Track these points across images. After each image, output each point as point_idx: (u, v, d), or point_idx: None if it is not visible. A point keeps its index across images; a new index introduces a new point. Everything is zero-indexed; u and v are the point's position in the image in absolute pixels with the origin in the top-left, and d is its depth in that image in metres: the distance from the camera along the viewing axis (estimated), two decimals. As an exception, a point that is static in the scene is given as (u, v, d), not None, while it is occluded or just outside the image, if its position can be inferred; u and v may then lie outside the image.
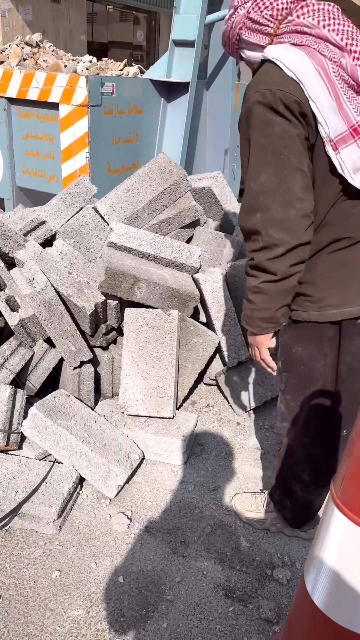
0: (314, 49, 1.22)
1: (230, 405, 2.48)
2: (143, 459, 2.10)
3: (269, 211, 1.26)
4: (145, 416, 2.17)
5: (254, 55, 1.34)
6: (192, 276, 2.42)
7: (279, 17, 1.27)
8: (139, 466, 2.07)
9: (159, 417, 2.17)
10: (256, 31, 1.30)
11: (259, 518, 1.88)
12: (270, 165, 1.24)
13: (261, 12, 1.27)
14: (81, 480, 1.98)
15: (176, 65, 3.91)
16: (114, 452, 1.95)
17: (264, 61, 1.29)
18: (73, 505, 1.91)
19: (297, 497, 1.71)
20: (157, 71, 3.94)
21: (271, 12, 1.27)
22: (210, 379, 2.57)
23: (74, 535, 1.81)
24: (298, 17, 1.26)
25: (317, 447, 1.61)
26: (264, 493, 1.92)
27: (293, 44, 1.24)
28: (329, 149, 1.24)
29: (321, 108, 1.20)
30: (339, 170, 1.25)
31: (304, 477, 1.66)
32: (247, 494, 1.96)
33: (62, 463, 1.95)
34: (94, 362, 2.36)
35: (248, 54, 1.36)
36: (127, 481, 2.00)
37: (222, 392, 2.52)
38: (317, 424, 1.58)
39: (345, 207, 1.32)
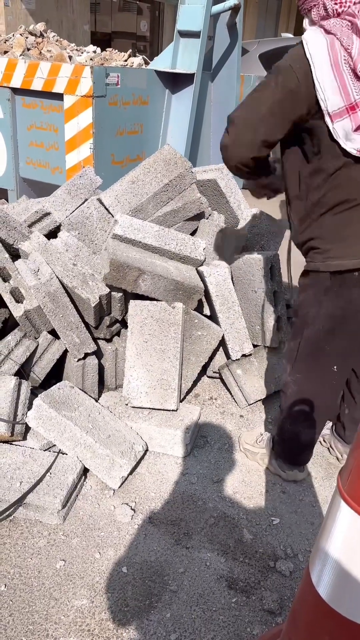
0: (337, 37, 1.45)
1: (234, 398, 2.48)
2: (147, 450, 2.11)
3: (236, 124, 1.59)
4: (149, 408, 2.17)
5: (305, 27, 1.63)
6: (196, 269, 2.42)
7: (340, 10, 1.52)
8: (142, 458, 2.08)
9: (163, 410, 2.17)
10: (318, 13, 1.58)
11: (251, 450, 2.14)
12: (253, 99, 1.59)
13: (334, 4, 1.51)
14: (85, 471, 1.99)
15: (181, 56, 3.89)
16: (118, 443, 1.96)
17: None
18: (77, 495, 1.92)
19: (286, 430, 1.97)
20: (162, 62, 3.92)
21: (338, 7, 1.51)
22: (214, 372, 2.58)
23: (78, 525, 1.82)
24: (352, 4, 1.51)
25: (306, 384, 1.85)
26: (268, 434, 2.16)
27: (326, 31, 1.47)
28: (327, 119, 1.49)
29: (323, 87, 1.46)
30: (335, 137, 1.50)
31: (293, 411, 1.89)
32: (254, 431, 2.21)
33: (66, 454, 1.96)
34: (98, 354, 2.36)
35: (306, 21, 1.65)
36: (131, 472, 2.00)
37: (225, 385, 2.53)
38: (307, 363, 1.82)
39: (351, 172, 1.55)
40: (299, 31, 17.86)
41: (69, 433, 1.92)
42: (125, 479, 1.96)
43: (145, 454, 2.10)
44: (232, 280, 2.41)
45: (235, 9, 4.09)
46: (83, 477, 1.97)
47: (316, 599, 1.10)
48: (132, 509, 1.88)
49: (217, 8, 3.91)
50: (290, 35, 7.83)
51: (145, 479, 2.02)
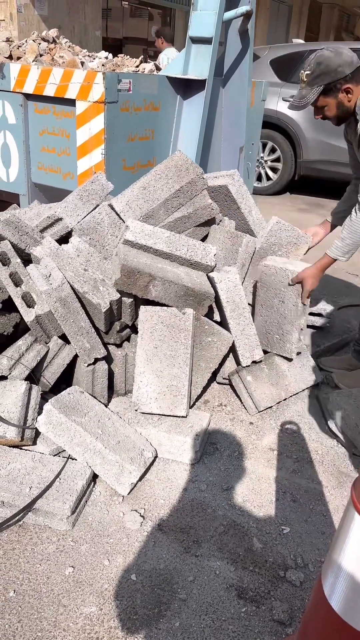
0: None
1: (244, 405, 2.47)
2: (156, 457, 2.10)
3: None
4: (159, 414, 2.17)
5: None
6: (207, 275, 2.41)
7: None
8: (151, 464, 2.07)
9: (172, 416, 2.16)
10: None
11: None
12: None
13: None
14: (94, 477, 1.98)
15: (193, 62, 3.88)
16: (128, 449, 1.95)
17: None
18: (86, 501, 1.91)
19: None
20: (174, 68, 3.92)
21: None
22: (224, 378, 2.57)
23: (87, 531, 1.81)
24: None
25: None
26: None
27: None
28: None
29: None
30: None
31: None
32: None
33: (75, 459, 1.96)
34: (108, 359, 2.36)
35: None
36: (140, 479, 2.00)
37: (235, 391, 2.51)
38: None
39: None
40: (309, 37, 17.87)
41: (79, 439, 1.92)
42: (135, 485, 1.96)
43: (154, 460, 2.09)
44: (256, 284, 2.40)
45: (247, 15, 4.09)
46: (92, 483, 1.97)
47: (328, 611, 1.09)
48: (141, 515, 1.88)
49: (229, 14, 3.91)
50: (302, 41, 7.83)
51: (154, 485, 2.02)
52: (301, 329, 2.44)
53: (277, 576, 1.71)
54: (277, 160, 6.79)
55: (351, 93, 2.14)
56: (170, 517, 1.90)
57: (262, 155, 6.77)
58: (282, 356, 2.51)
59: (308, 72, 2.15)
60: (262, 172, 6.91)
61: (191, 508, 1.94)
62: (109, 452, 1.90)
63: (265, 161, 6.85)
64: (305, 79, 2.17)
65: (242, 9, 3.99)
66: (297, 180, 6.86)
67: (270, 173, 6.90)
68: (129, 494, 1.94)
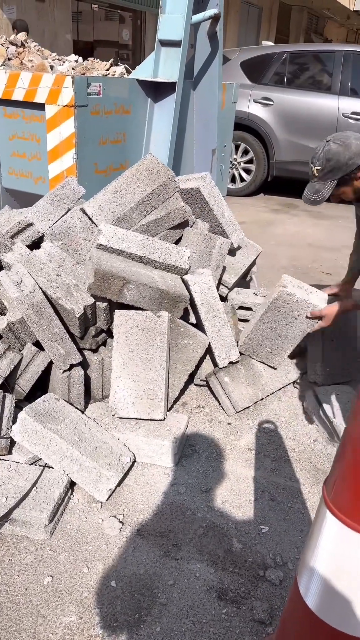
0: None
1: (221, 406, 2.48)
2: (134, 461, 2.09)
3: None
4: (136, 419, 2.16)
5: None
6: (181, 277, 2.41)
7: None
8: (130, 469, 2.06)
9: (150, 420, 2.16)
10: None
11: None
12: None
13: None
14: (72, 484, 1.97)
15: (162, 65, 3.89)
16: (105, 455, 1.94)
17: None
18: (64, 509, 1.90)
19: None
20: (144, 71, 3.93)
21: None
22: (201, 380, 2.57)
23: (66, 540, 1.80)
24: None
25: None
26: None
27: None
28: None
29: None
30: None
31: None
32: None
33: (52, 467, 1.94)
34: (84, 364, 2.35)
35: None
36: (119, 484, 1.99)
37: (212, 393, 2.52)
38: None
39: None
40: (279, 39, 18.04)
41: (55, 446, 1.90)
42: (113, 491, 1.94)
43: (133, 465, 2.08)
44: (270, 305, 2.36)
45: (215, 18, 4.12)
46: (70, 491, 1.95)
47: (304, 610, 1.10)
48: (120, 521, 1.87)
49: (197, 17, 3.93)
50: (271, 43, 7.91)
51: (133, 490, 2.01)
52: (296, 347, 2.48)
53: (256, 576, 1.72)
54: (250, 161, 6.84)
55: None
56: (149, 521, 1.89)
57: (235, 157, 6.81)
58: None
59: (319, 167, 2.12)
60: (236, 173, 6.95)
61: (170, 511, 1.93)
62: (86, 459, 1.88)
63: (239, 163, 6.90)
64: (316, 174, 2.15)
65: (210, 11, 4.01)
66: (271, 181, 6.92)
67: (243, 174, 6.95)
68: (107, 500, 1.93)
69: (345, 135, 2.13)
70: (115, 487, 1.95)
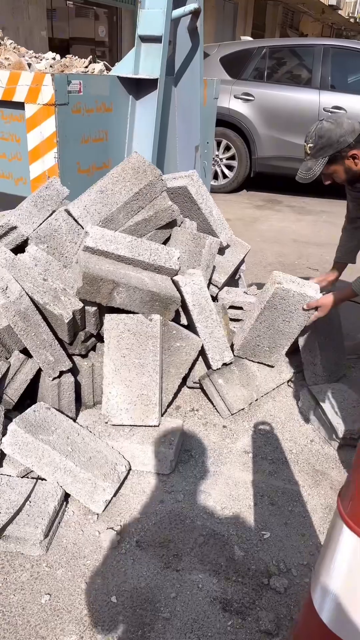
0: None
1: (216, 409, 2.43)
2: (130, 470, 2.03)
3: None
4: (130, 425, 2.10)
5: None
6: (171, 278, 2.36)
7: None
8: (125, 478, 2.00)
9: (145, 426, 2.10)
10: None
11: None
12: None
13: None
14: (66, 496, 1.90)
15: (143, 62, 3.82)
16: (100, 465, 1.88)
17: None
18: (59, 523, 1.83)
19: None
20: (124, 68, 3.85)
21: None
22: (194, 382, 2.52)
23: (62, 555, 1.73)
24: None
25: None
26: None
27: None
28: None
29: None
30: None
31: None
32: None
33: (45, 480, 1.87)
34: (74, 371, 2.28)
35: None
36: (115, 494, 1.93)
37: (206, 395, 2.47)
38: None
39: None
40: (255, 34, 18.02)
41: (48, 458, 1.83)
42: (109, 502, 1.88)
43: (128, 473, 2.02)
44: (267, 304, 2.33)
45: (195, 13, 4.06)
46: (64, 503, 1.88)
47: (320, 625, 1.06)
48: (117, 533, 1.81)
49: (177, 12, 3.86)
50: (250, 38, 7.87)
51: (129, 500, 1.95)
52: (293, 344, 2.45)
53: (260, 584, 1.67)
54: (232, 158, 6.80)
55: (357, 158, 2.14)
56: (148, 531, 1.83)
57: (217, 153, 6.77)
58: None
59: (311, 144, 2.15)
60: (218, 170, 6.91)
61: (169, 520, 1.88)
62: (80, 469, 1.82)
63: (221, 159, 6.85)
64: (308, 152, 2.17)
65: (190, 6, 3.95)
66: (253, 177, 6.89)
67: (226, 171, 6.91)
68: (103, 511, 1.87)
69: (337, 115, 2.20)
70: (111, 498, 1.89)
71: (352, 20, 23.54)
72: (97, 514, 1.87)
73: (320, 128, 2.13)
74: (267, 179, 7.10)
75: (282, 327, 2.37)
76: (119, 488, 1.96)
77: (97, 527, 1.83)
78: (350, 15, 23.12)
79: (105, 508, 1.88)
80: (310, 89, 6.37)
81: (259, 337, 2.39)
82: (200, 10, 4.08)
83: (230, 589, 1.65)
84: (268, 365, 2.47)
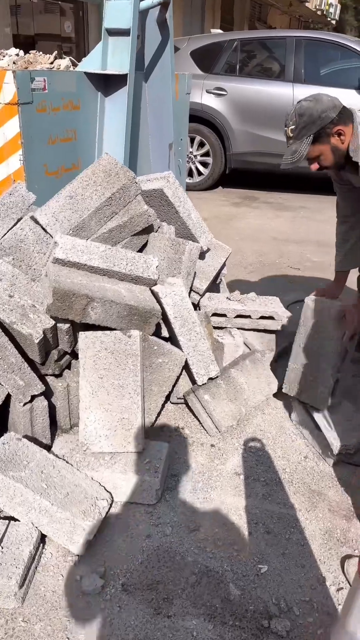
0: None
1: (202, 426, 2.27)
2: (112, 502, 1.86)
3: None
4: (111, 453, 1.93)
5: None
6: (150, 289, 2.19)
7: None
8: (108, 511, 1.83)
9: (127, 452, 1.93)
10: None
11: None
12: None
13: None
14: (43, 535, 1.72)
15: (111, 56, 3.63)
16: (78, 501, 1.71)
17: None
18: (36, 568, 1.65)
19: None
20: (91, 63, 3.65)
21: None
22: (178, 398, 2.36)
23: (41, 606, 1.56)
24: None
25: None
26: None
27: None
28: None
29: None
30: None
31: None
32: None
33: (19, 521, 1.69)
34: (47, 393, 2.10)
35: None
36: (96, 531, 1.75)
37: (192, 412, 2.31)
38: None
39: None
40: (224, 27, 17.86)
41: (20, 497, 1.65)
42: (90, 541, 1.71)
43: (111, 506, 1.85)
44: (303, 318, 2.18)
45: (164, 4, 3.88)
46: (41, 545, 1.71)
47: None
48: (101, 577, 1.64)
49: (145, 4, 3.67)
50: (220, 31, 7.72)
51: (113, 536, 1.78)
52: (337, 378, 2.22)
53: (260, 627, 1.52)
54: (206, 154, 6.64)
55: (343, 134, 1.99)
56: (134, 572, 1.67)
57: (190, 150, 6.60)
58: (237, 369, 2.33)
59: (292, 126, 1.98)
60: (193, 167, 6.75)
61: (157, 558, 1.72)
62: (57, 508, 1.64)
63: (195, 156, 6.69)
64: (291, 134, 2.00)
65: (159, -3, 3.77)
66: (229, 174, 6.74)
67: (200, 168, 6.75)
68: (84, 552, 1.70)
69: (315, 94, 2.04)
70: (93, 537, 1.72)
71: (319, 12, 23.56)
72: (78, 556, 1.70)
73: (300, 107, 1.98)
74: (242, 175, 6.97)
75: (311, 344, 2.22)
76: (101, 524, 1.78)
77: (78, 571, 1.66)
78: (317, 7, 23.13)
79: (87, 548, 1.70)
80: (284, 82, 6.24)
81: (303, 365, 2.24)
82: (169, 2, 3.90)
83: (227, 634, 1.50)
84: (312, 407, 2.27)
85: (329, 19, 25.42)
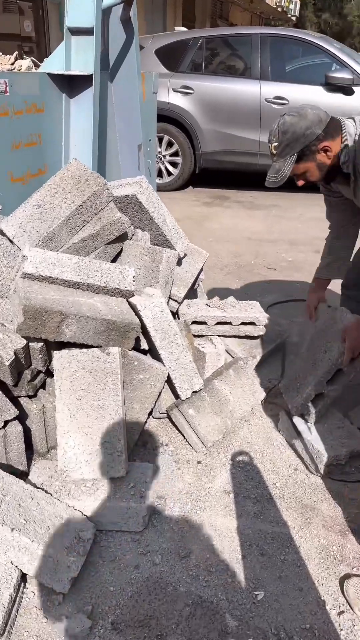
0: None
1: (188, 442, 2.17)
2: (96, 531, 1.75)
3: None
4: (92, 479, 1.81)
5: None
6: (127, 301, 2.08)
7: None
8: (92, 542, 1.72)
9: (110, 478, 1.82)
10: None
11: None
12: None
13: None
14: (24, 574, 1.60)
15: (75, 56, 3.49)
16: (61, 535, 1.59)
17: None
18: (17, 611, 1.53)
19: None
20: (54, 64, 3.51)
21: None
22: (161, 413, 2.26)
23: (23, 654, 1.44)
24: None
25: None
26: None
27: None
28: None
29: None
30: None
31: None
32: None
33: (-4, 561, 1.56)
34: (21, 416, 1.97)
35: None
36: (81, 566, 1.64)
37: (176, 427, 2.21)
38: None
39: None
40: (186, 25, 17.77)
41: (-3, 536, 1.52)
42: (75, 577, 1.60)
43: (95, 537, 1.74)
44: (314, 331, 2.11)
45: (128, 2, 3.75)
46: (22, 584, 1.58)
47: None
48: (88, 616, 1.52)
49: (108, 1, 3.54)
50: (184, 29, 7.61)
51: (99, 569, 1.67)
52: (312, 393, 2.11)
53: (261, 661, 1.44)
54: (175, 154, 6.54)
55: (330, 151, 1.91)
56: (124, 608, 1.56)
57: (159, 150, 6.49)
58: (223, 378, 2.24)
59: (275, 144, 1.90)
60: (162, 167, 6.64)
61: (148, 590, 1.61)
62: (38, 545, 1.52)
63: (164, 156, 6.58)
64: (274, 152, 1.92)
65: (122, -6, 3.64)
66: (199, 173, 6.66)
67: (170, 168, 6.65)
68: (69, 589, 1.58)
69: (299, 107, 1.94)
70: (78, 573, 1.60)
71: (279, 9, 23.67)
72: (63, 594, 1.58)
73: (283, 123, 1.89)
74: (213, 175, 6.89)
75: (320, 359, 2.14)
76: (86, 557, 1.67)
77: (64, 611, 1.54)
78: (277, 4, 23.23)
79: (72, 584, 1.59)
80: (251, 80, 6.18)
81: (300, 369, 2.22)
82: (133, -1, 3.78)
83: (227, 671, 1.41)
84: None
85: (289, 15, 25.58)
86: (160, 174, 6.62)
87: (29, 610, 1.54)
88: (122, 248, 2.32)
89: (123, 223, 2.21)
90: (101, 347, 1.92)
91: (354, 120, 1.94)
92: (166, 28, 16.32)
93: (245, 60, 6.42)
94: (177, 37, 6.62)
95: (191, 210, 5.90)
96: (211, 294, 3.47)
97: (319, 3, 30.68)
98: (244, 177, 6.93)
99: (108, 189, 2.15)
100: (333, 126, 1.91)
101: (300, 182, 2.02)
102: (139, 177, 2.42)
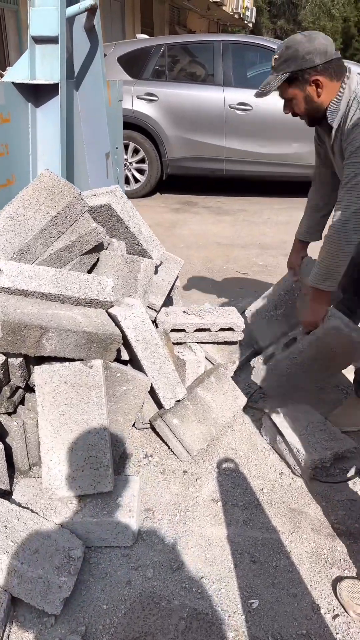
0: None
1: (173, 452, 2.16)
2: (86, 549, 1.71)
3: None
4: (79, 496, 1.78)
5: None
6: (107, 312, 2.05)
7: None
8: (83, 560, 1.68)
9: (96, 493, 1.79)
10: None
11: None
12: None
13: None
14: (13, 598, 1.55)
15: (40, 65, 3.45)
16: (50, 555, 1.55)
17: None
18: (9, 636, 1.48)
19: None
20: (19, 73, 3.45)
21: None
22: (144, 423, 2.24)
23: None
24: None
25: None
26: None
27: None
28: None
29: None
30: None
31: None
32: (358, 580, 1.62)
33: (-16, 586, 1.51)
34: (1, 433, 1.92)
35: None
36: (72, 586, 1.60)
37: (160, 437, 2.19)
38: None
39: None
40: (145, 32, 17.83)
41: (-15, 561, 1.47)
42: (67, 597, 1.56)
43: (85, 554, 1.70)
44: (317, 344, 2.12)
45: (92, 10, 3.73)
46: (12, 609, 1.54)
47: None
48: (82, 637, 1.49)
49: (72, 10, 3.51)
50: (146, 37, 7.62)
51: (90, 587, 1.63)
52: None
53: (260, 670, 1.43)
54: (142, 161, 6.53)
55: (321, 87, 1.83)
56: (118, 626, 1.53)
57: (125, 157, 6.46)
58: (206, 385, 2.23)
59: (276, 56, 1.86)
60: (129, 174, 6.62)
61: (141, 606, 1.59)
62: (27, 567, 1.48)
63: (131, 163, 6.56)
64: (273, 64, 1.88)
65: (86, 3, 3.61)
66: (166, 180, 6.66)
67: (137, 175, 6.63)
68: (61, 610, 1.54)
69: (315, 32, 1.86)
70: (70, 593, 1.56)
71: (236, 15, 24.03)
72: (55, 616, 1.54)
73: (291, 39, 1.84)
74: (180, 181, 6.91)
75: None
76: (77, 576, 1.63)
77: (56, 633, 1.50)
78: (234, 11, 23.58)
79: (64, 605, 1.55)
80: (214, 86, 6.23)
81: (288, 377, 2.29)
82: (96, 7, 3.75)
83: None
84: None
85: (246, 22, 26.01)
86: (127, 181, 6.59)
87: (20, 636, 1.50)
88: (98, 258, 2.29)
89: (99, 233, 2.18)
90: (83, 360, 1.88)
91: None
92: (125, 35, 16.34)
93: (208, 67, 6.47)
94: (139, 45, 6.62)
95: (160, 217, 5.90)
96: (186, 300, 3.47)
97: (275, 10, 31.31)
98: (210, 183, 6.98)
99: (83, 199, 2.12)
100: (337, 67, 1.82)
101: (286, 111, 1.96)
102: (113, 186, 2.40)
